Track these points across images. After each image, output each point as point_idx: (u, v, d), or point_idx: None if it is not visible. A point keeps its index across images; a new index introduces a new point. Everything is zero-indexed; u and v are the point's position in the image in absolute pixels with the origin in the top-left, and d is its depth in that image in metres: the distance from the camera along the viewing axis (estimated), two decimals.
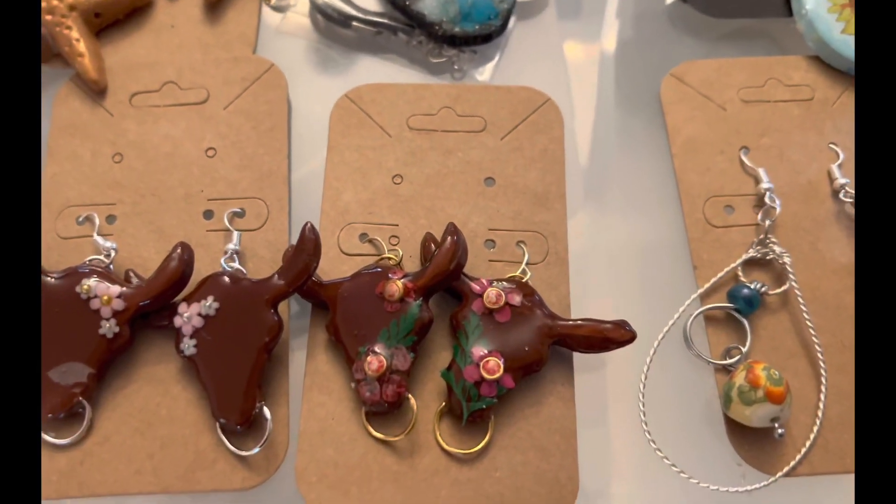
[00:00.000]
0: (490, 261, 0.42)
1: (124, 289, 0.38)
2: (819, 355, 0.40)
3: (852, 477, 0.38)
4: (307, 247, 0.38)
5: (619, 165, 0.47)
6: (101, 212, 0.42)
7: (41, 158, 0.44)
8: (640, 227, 0.45)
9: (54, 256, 0.41)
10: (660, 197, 0.46)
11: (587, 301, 0.42)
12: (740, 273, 0.42)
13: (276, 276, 0.38)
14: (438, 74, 0.49)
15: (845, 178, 0.44)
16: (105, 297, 0.37)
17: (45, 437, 0.37)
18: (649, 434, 0.38)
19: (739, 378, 0.38)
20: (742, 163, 0.45)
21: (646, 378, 0.39)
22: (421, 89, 0.46)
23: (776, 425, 0.37)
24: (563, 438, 0.38)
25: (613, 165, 0.47)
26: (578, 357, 0.40)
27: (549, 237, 0.43)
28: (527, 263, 0.42)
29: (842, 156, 0.45)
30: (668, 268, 0.44)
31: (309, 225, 0.38)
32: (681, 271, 0.43)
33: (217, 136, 0.44)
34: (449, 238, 0.39)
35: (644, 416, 0.39)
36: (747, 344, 0.40)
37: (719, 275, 0.42)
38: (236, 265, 0.40)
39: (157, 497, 0.37)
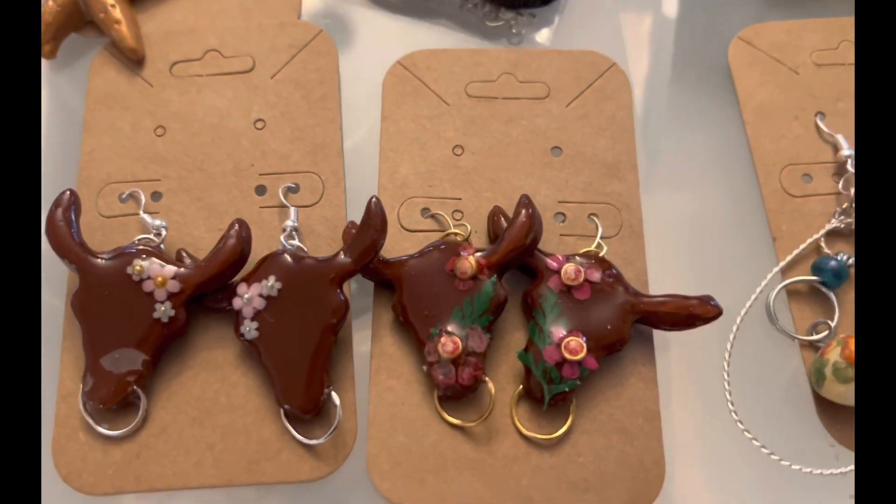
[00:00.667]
0: (561, 235, 0.40)
1: (180, 269, 0.35)
2: None
3: None
4: (374, 222, 0.35)
5: (686, 133, 0.45)
6: (146, 188, 0.40)
7: (78, 137, 0.41)
8: (712, 198, 0.43)
9: (97, 237, 0.39)
10: (732, 166, 0.43)
11: (662, 276, 0.40)
12: (823, 244, 0.40)
13: (342, 253, 0.36)
14: (494, 39, 0.46)
15: None
16: (159, 279, 0.35)
17: (99, 428, 0.35)
18: (736, 414, 0.36)
19: (834, 354, 0.36)
20: (818, 129, 0.43)
21: (729, 356, 0.37)
22: (478, 55, 0.44)
23: None
24: (647, 420, 0.36)
25: (680, 133, 0.45)
26: (657, 335, 0.38)
27: (622, 209, 0.40)
28: (601, 237, 0.39)
29: None
30: (745, 240, 0.42)
31: (374, 199, 0.36)
32: (759, 243, 0.41)
33: (266, 106, 0.42)
34: (524, 211, 0.36)
35: (730, 395, 0.37)
36: (835, 318, 0.38)
37: (802, 246, 0.39)
38: (296, 243, 0.37)
39: (217, 490, 0.35)
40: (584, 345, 0.35)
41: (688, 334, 0.39)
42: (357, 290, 0.39)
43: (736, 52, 0.45)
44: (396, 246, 0.39)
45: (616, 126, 0.42)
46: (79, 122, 0.42)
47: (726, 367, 0.37)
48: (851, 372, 0.35)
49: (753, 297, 0.39)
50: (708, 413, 0.38)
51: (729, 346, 0.38)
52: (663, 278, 0.40)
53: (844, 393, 0.35)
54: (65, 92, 0.44)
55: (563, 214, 0.40)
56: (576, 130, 0.42)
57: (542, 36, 0.46)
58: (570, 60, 0.44)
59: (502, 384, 0.37)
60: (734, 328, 0.38)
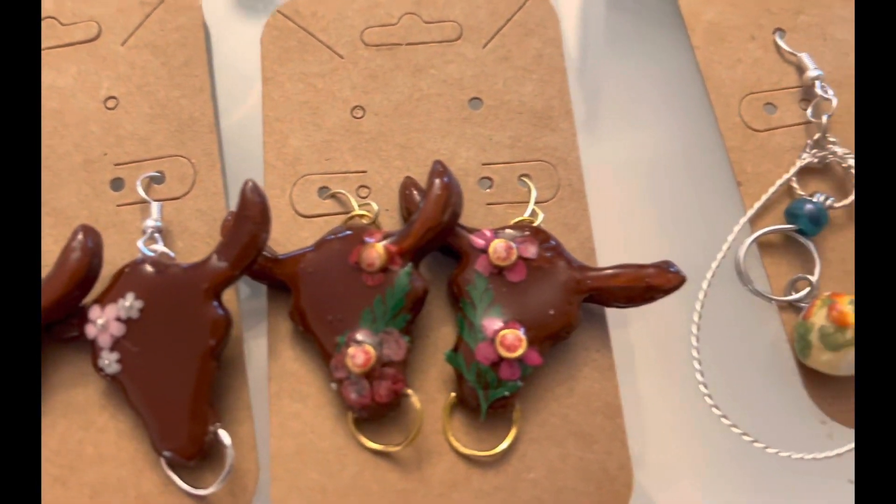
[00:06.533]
0: (488, 204, 0.33)
1: None
2: None
3: None
4: (251, 213, 0.28)
5: (628, 67, 0.38)
6: None
7: None
8: (663, 142, 0.37)
9: None
10: (684, 101, 0.37)
11: (611, 241, 0.34)
12: (795, 185, 0.34)
13: (215, 256, 0.29)
14: None
15: None
16: None
17: None
18: (710, 398, 0.30)
19: (819, 317, 0.30)
20: (779, 48, 0.36)
21: (698, 329, 0.31)
22: None
23: None
24: (607, 418, 0.30)
25: (620, 69, 0.38)
26: (611, 311, 0.32)
27: (558, 165, 0.34)
28: (535, 202, 0.33)
29: None
30: (706, 187, 0.36)
31: (251, 183, 0.29)
32: (722, 190, 0.35)
33: (117, 80, 0.34)
34: (437, 181, 0.30)
35: (701, 376, 0.31)
36: (816, 272, 0.32)
37: (771, 190, 0.33)
38: (160, 247, 0.30)
39: None
40: (524, 337, 0.29)
41: (646, 307, 0.33)
42: (251, 294, 0.33)
43: None
44: (292, 237, 0.32)
45: (544, 66, 0.35)
46: None
47: (695, 343, 0.31)
48: (842, 336, 0.29)
49: (720, 255, 0.33)
50: (677, 400, 0.32)
51: (696, 318, 0.32)
52: (613, 243, 0.34)
53: (834, 361, 0.30)
54: None
55: (490, 179, 0.34)
56: (497, 76, 0.35)
57: None
58: None
59: (432, 394, 0.30)
60: (700, 295, 0.32)
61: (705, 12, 0.37)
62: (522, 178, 0.34)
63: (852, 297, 0.30)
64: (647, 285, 0.30)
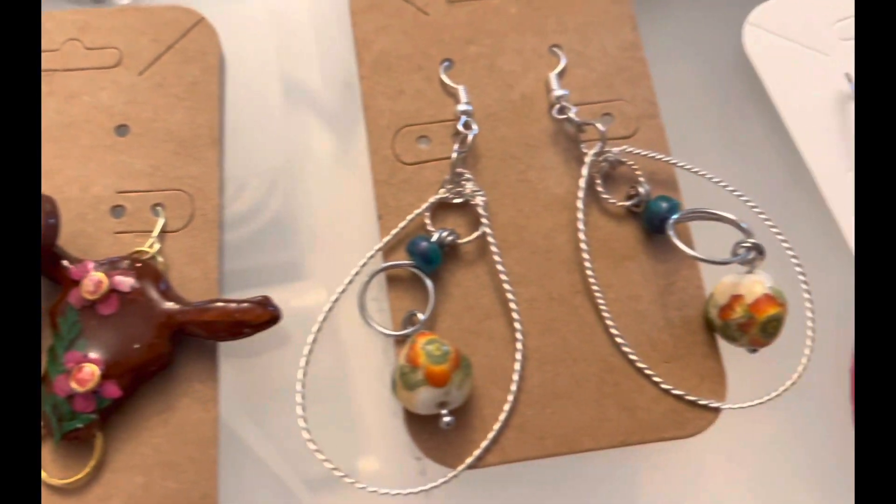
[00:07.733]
0: (116, 233, 0.34)
1: None
2: (515, 314, 0.33)
3: (554, 461, 0.32)
4: None
5: (307, 97, 0.39)
6: None
7: None
8: (319, 178, 0.37)
9: None
10: (349, 135, 0.37)
11: (254, 272, 0.35)
12: (428, 221, 0.34)
13: None
14: (80, 1, 0.39)
15: (562, 90, 0.36)
16: None
17: None
18: (308, 433, 0.31)
19: (402, 356, 0.31)
20: (442, 80, 0.37)
21: (307, 363, 0.32)
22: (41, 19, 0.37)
23: (443, 412, 0.30)
24: (199, 449, 0.31)
25: (293, 97, 0.39)
26: (224, 344, 0.33)
27: (195, 195, 0.34)
28: (167, 232, 0.34)
29: (563, 61, 0.37)
30: (355, 220, 0.36)
31: None
32: (368, 223, 0.35)
33: None
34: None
35: (303, 410, 0.31)
36: (428, 308, 0.33)
37: (400, 225, 0.34)
38: None
39: None
40: (98, 371, 0.30)
41: (276, 336, 0.34)
42: None
43: None
44: None
45: (198, 94, 0.36)
46: None
47: (301, 377, 0.32)
48: (415, 376, 0.30)
49: (340, 289, 0.33)
50: (283, 431, 0.33)
51: (306, 351, 0.32)
52: (254, 274, 0.35)
53: (410, 399, 0.30)
54: None
55: (123, 207, 0.34)
56: (147, 103, 0.36)
57: None
58: (149, 18, 0.37)
59: None
60: (314, 328, 0.33)
61: (378, 41, 0.37)
62: (156, 207, 0.34)
63: (432, 337, 0.30)
64: (237, 321, 0.31)
